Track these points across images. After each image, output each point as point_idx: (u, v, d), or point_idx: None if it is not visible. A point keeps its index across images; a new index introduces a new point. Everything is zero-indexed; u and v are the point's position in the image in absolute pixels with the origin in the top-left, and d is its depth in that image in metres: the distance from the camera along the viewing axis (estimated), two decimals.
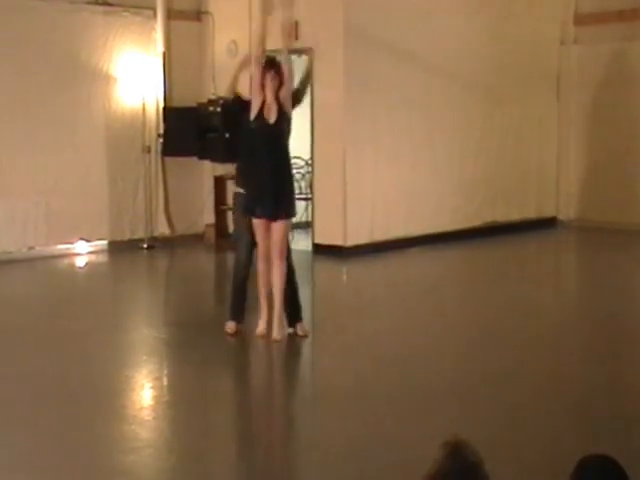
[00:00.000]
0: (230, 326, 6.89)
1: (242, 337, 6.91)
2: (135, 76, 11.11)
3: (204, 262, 11.00)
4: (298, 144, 12.13)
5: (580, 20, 12.73)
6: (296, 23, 10.74)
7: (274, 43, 10.89)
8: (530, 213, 12.79)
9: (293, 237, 9.59)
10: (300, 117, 11.59)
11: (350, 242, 10.57)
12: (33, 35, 10.20)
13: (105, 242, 11.08)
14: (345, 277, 10.09)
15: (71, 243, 10.79)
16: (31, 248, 10.37)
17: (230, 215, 11.72)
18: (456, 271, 10.27)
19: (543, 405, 5.46)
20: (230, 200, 11.68)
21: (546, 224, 12.86)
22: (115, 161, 11.10)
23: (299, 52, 11.17)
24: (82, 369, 6.29)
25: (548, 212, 13.05)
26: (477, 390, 5.74)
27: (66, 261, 10.49)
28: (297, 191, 12.39)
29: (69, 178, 10.65)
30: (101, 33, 10.80)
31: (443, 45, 11.41)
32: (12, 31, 10.01)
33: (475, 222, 11.90)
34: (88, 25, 10.69)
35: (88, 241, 10.96)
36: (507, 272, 10.19)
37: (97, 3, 10.76)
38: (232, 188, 11.47)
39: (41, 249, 10.47)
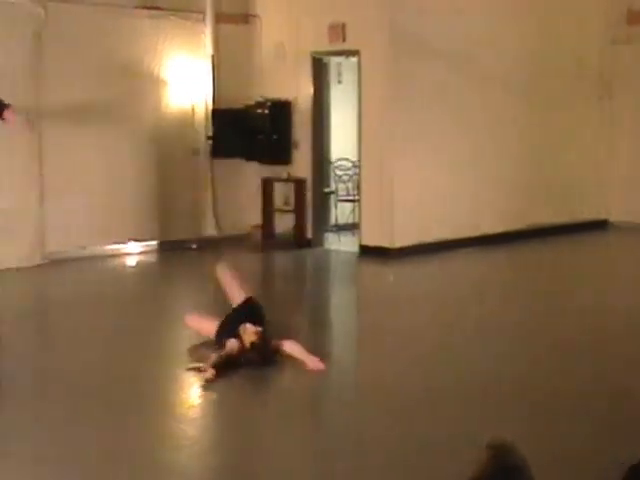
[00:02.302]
0: None
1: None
2: (184, 79, 11.24)
3: (251, 262, 11.08)
4: (345, 146, 12.23)
5: (634, 19, 12.55)
6: (343, 25, 10.85)
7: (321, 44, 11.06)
8: (579, 215, 12.65)
9: None
10: (347, 118, 11.70)
11: (397, 244, 10.57)
12: (84, 39, 10.37)
13: (155, 242, 11.24)
14: (391, 279, 10.09)
15: (122, 243, 10.96)
16: (83, 248, 10.56)
17: (277, 216, 11.85)
18: (502, 274, 10.21)
19: (586, 411, 5.42)
20: (278, 201, 11.82)
21: (597, 226, 12.72)
22: (165, 163, 11.25)
23: (347, 53, 11.25)
24: (132, 367, 6.38)
25: (598, 214, 12.91)
26: (517, 393, 5.72)
27: (117, 261, 10.65)
28: (344, 192, 12.63)
29: (120, 179, 10.82)
30: (151, 37, 10.94)
31: (489, 47, 11.35)
32: (64, 37, 10.19)
33: (521, 224, 11.81)
34: (139, 29, 10.84)
35: (138, 241, 11.13)
36: (556, 275, 10.11)
37: (147, 7, 10.91)
38: (282, 190, 11.63)
39: (93, 249, 10.65)
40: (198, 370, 6.03)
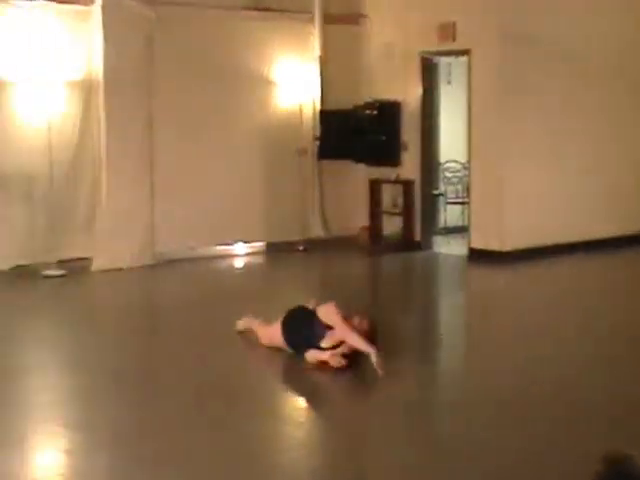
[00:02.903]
0: None
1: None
2: (292, 80, 11.26)
3: (358, 265, 11.01)
4: (454, 147, 12.04)
5: None
6: (454, 24, 10.67)
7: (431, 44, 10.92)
8: None
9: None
10: (456, 119, 11.50)
11: (507, 247, 10.32)
12: (195, 41, 10.50)
13: (262, 244, 11.29)
14: (500, 282, 9.84)
15: (230, 244, 11.06)
16: (192, 248, 10.70)
17: (385, 218, 11.75)
18: (616, 280, 9.82)
19: None
20: (386, 202, 11.70)
21: None
22: (272, 164, 11.30)
23: (456, 53, 11.06)
24: (239, 368, 6.39)
25: None
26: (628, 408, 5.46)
27: (225, 262, 10.75)
28: (453, 195, 12.43)
29: (228, 180, 10.91)
30: (260, 38, 10.99)
31: (603, 46, 10.96)
32: (175, 39, 10.33)
33: (635, 229, 11.36)
34: (248, 31, 10.90)
35: (246, 242, 11.21)
36: None
37: (257, 9, 10.97)
38: (391, 192, 11.53)
39: (202, 250, 10.78)
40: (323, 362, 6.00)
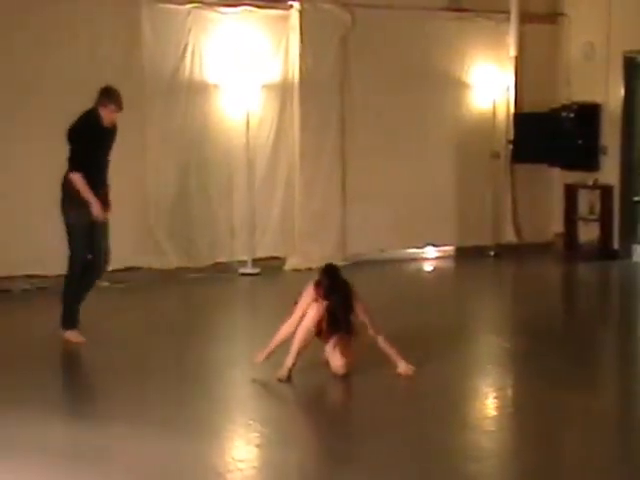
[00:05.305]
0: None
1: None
2: (486, 81, 11.05)
3: (552, 273, 10.66)
4: None
5: None
6: None
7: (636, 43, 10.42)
8: None
9: None
10: None
11: None
12: (389, 43, 10.47)
13: (452, 248, 11.15)
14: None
15: (419, 247, 10.99)
16: (382, 251, 10.71)
17: (581, 225, 11.30)
18: None
19: None
20: (583, 209, 11.25)
21: None
22: (464, 167, 11.13)
23: None
24: (431, 370, 6.33)
25: None
26: None
27: (414, 265, 10.66)
28: None
29: (419, 182, 10.83)
30: (455, 39, 10.84)
31: None
32: (369, 41, 10.35)
33: None
34: (442, 32, 10.77)
35: (436, 246, 11.10)
36: None
37: (452, 9, 10.85)
38: (587, 198, 11.06)
39: (392, 252, 10.78)
40: None
